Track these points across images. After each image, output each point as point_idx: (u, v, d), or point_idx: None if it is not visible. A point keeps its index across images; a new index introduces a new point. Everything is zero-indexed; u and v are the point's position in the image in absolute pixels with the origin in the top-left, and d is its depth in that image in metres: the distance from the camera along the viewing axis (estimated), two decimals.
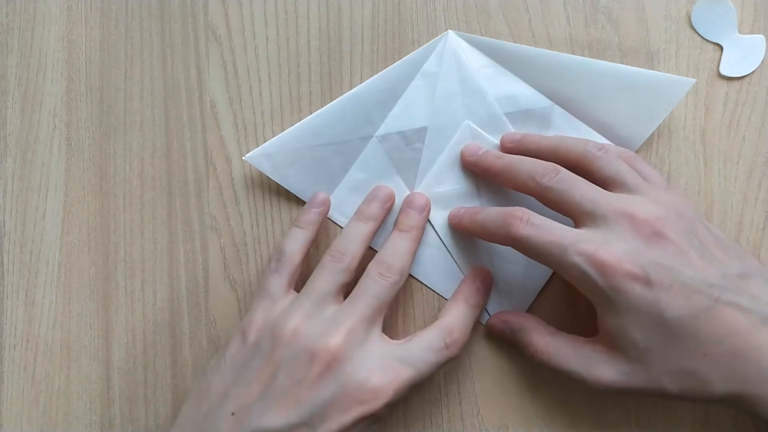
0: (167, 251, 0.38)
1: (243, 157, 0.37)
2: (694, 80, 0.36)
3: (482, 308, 0.36)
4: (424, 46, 0.38)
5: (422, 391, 0.37)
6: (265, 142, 0.38)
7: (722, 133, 0.37)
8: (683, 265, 0.29)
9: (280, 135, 0.37)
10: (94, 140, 0.38)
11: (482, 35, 0.38)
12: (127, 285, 0.38)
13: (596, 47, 0.38)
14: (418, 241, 0.35)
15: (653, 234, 0.29)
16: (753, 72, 0.37)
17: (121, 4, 0.39)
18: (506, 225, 0.31)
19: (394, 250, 0.34)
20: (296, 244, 0.34)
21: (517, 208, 0.31)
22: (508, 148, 0.36)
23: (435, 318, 0.37)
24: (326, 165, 0.37)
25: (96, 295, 0.38)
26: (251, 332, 0.32)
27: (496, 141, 0.37)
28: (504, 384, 0.36)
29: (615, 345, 0.30)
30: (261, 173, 0.38)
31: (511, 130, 0.37)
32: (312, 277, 0.33)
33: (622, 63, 0.37)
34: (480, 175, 0.36)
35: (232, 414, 0.30)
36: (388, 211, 0.36)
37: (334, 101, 0.37)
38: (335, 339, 0.30)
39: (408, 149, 0.37)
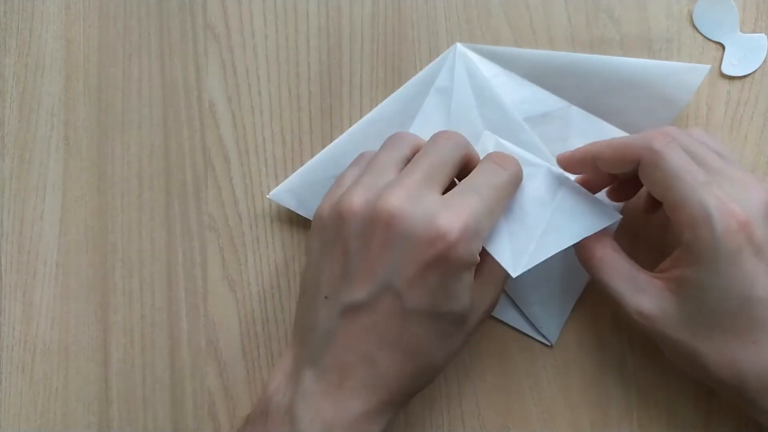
0: (165, 251, 0.37)
1: (267, 196, 0.37)
2: (708, 66, 0.35)
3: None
4: (432, 62, 0.37)
5: (423, 392, 0.36)
6: (264, 141, 0.38)
7: (724, 132, 0.37)
8: None
9: (300, 169, 0.37)
10: (92, 140, 0.38)
11: (483, 34, 0.38)
12: (125, 285, 0.37)
13: (598, 46, 0.37)
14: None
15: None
16: (755, 71, 0.37)
17: (120, 3, 0.39)
18: (649, 138, 0.30)
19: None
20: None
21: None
22: (568, 165, 0.34)
23: None
24: None
25: (94, 296, 0.37)
26: (321, 221, 0.31)
27: (519, 149, 0.34)
28: (505, 385, 0.36)
29: (680, 293, 0.29)
30: (259, 172, 0.38)
31: (531, 134, 0.36)
32: (374, 155, 0.32)
33: None
34: (576, 170, 0.34)
35: (326, 298, 0.30)
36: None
37: (350, 129, 0.37)
38: (391, 198, 0.29)
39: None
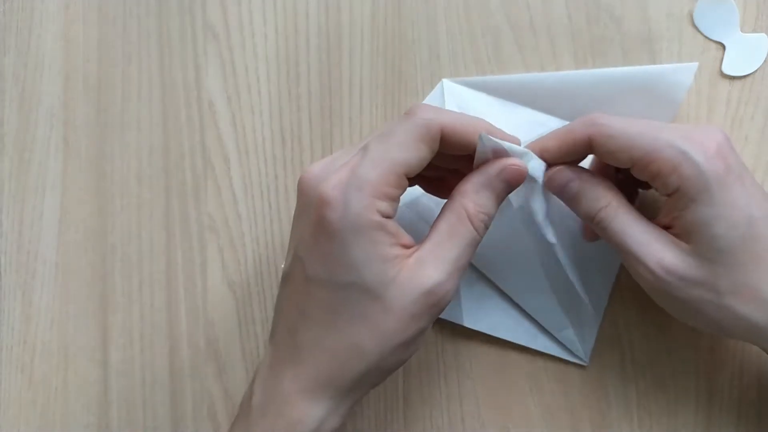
0: (165, 252, 0.37)
1: (282, 266, 0.36)
2: (696, 63, 0.35)
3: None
4: (422, 102, 0.37)
5: (422, 392, 0.36)
6: (264, 140, 0.38)
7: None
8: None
9: None
10: (91, 140, 0.38)
11: (483, 34, 0.38)
12: (124, 286, 0.37)
13: (598, 45, 0.37)
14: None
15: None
16: (755, 71, 0.37)
17: (119, 3, 0.39)
18: (589, 118, 0.30)
19: None
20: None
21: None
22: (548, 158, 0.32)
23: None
24: None
25: (93, 296, 0.37)
26: None
27: (515, 145, 0.32)
28: (505, 385, 0.36)
29: (689, 238, 0.29)
30: (259, 172, 0.38)
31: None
32: None
33: (624, 61, 0.37)
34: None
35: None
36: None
37: None
38: (311, 168, 0.29)
39: (439, 207, 0.32)
